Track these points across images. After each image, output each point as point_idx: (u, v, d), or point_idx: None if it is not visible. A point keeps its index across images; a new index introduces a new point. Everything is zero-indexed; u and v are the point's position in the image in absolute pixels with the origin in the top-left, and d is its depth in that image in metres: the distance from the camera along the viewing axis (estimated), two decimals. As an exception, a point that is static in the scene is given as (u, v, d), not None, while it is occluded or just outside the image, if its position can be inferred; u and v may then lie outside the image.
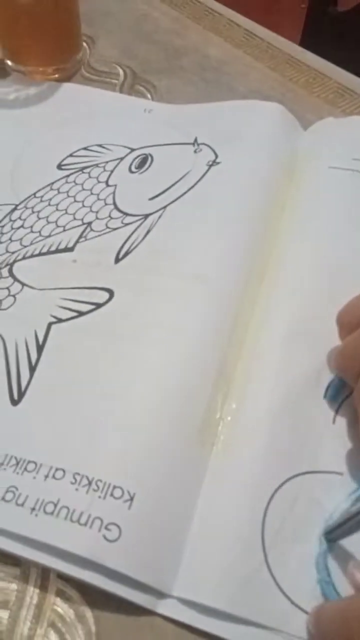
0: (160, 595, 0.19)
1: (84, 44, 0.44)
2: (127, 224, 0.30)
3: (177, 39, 0.46)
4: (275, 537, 0.20)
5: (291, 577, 0.19)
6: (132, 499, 0.20)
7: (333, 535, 0.20)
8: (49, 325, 0.26)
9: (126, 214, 0.31)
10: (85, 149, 0.35)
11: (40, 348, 0.25)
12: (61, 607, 0.20)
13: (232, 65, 0.43)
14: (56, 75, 0.41)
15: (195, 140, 0.35)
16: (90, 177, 0.33)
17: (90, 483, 0.20)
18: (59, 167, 0.34)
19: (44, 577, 0.20)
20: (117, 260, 0.28)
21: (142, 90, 0.41)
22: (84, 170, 0.34)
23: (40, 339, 0.25)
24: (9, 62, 0.41)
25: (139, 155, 0.34)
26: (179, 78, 0.42)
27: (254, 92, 0.41)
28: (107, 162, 0.34)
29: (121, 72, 0.42)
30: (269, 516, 0.20)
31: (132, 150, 0.35)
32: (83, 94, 0.39)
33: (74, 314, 0.26)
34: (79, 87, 0.40)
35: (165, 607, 0.19)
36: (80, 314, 0.26)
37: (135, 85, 0.41)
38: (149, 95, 0.40)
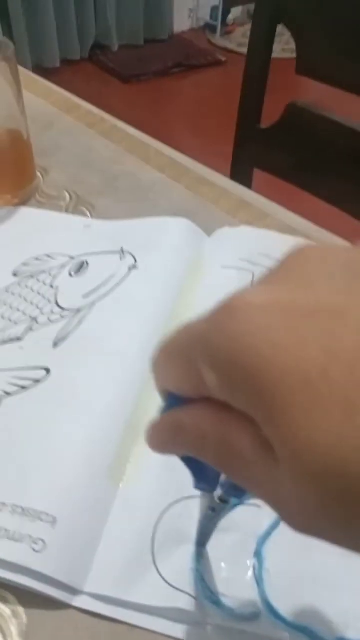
0: (75, 592, 0.26)
1: (38, 174, 0.56)
2: (64, 317, 0.39)
3: (114, 167, 0.58)
4: (163, 543, 0.27)
5: (173, 571, 0.26)
6: (54, 520, 0.27)
7: (200, 539, 0.27)
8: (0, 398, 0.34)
9: (64, 309, 0.40)
10: (35, 258, 0.45)
11: (-8, 415, 0.33)
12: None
13: (157, 187, 0.55)
14: (15, 201, 0.51)
15: (121, 249, 0.45)
16: (38, 281, 0.42)
17: (24, 511, 0.27)
18: (14, 274, 0.43)
19: (-12, 586, 0.27)
20: (55, 345, 0.37)
21: (84, 210, 0.51)
22: (33, 276, 0.43)
23: (-7, 408, 0.33)
24: (-23, 192, 0.51)
25: (77, 262, 0.44)
26: (114, 198, 0.53)
27: (174, 208, 0.52)
28: (52, 268, 0.43)
29: (68, 196, 0.53)
30: (159, 528, 0.28)
31: (72, 258, 0.44)
32: (35, 215, 0.50)
33: (18, 388, 0.34)
34: (33, 210, 0.51)
35: (79, 601, 0.26)
36: (24, 388, 0.34)
37: (78, 206, 0.52)
38: (89, 214, 0.51)
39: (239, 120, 0.97)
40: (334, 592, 0.26)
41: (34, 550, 0.26)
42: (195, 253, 0.45)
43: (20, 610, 0.26)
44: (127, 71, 2.70)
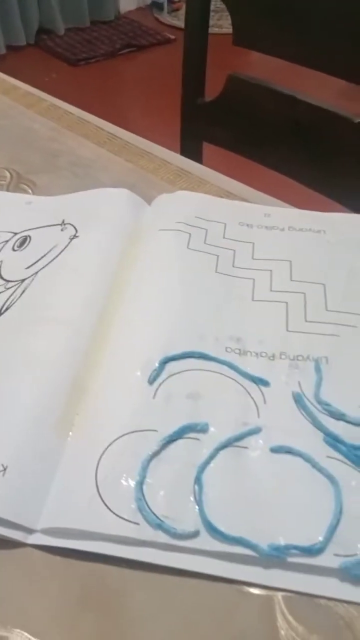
0: (29, 531, 0.28)
1: (-22, 155, 0.56)
2: (8, 288, 0.40)
3: (54, 144, 0.59)
4: (106, 476, 0.29)
5: (117, 500, 0.29)
6: (5, 469, 0.29)
7: None
8: None
9: (8, 281, 0.41)
10: (-22, 236, 0.46)
11: None
12: None
13: (97, 161, 0.56)
14: None
15: (63, 221, 0.46)
16: (-18, 257, 0.44)
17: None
18: None
19: None
20: (0, 314, 0.38)
21: (25, 187, 0.52)
22: (-23, 253, 0.44)
23: None
24: None
25: (20, 238, 0.45)
26: (55, 175, 0.54)
27: (114, 181, 0.53)
28: (-5, 244, 0.45)
29: (8, 174, 0.54)
30: (101, 464, 0.30)
31: (15, 234, 0.46)
32: (-24, 195, 0.51)
33: (-32, 355, 0.36)
34: (-27, 190, 0.51)
35: (33, 539, 0.28)
36: (-28, 354, 0.36)
37: (19, 184, 0.53)
38: (30, 191, 0.52)
39: (183, 96, 0.98)
40: (265, 509, 0.29)
41: (-13, 496, 0.28)
42: (136, 221, 0.47)
43: (-21, 551, 0.28)
44: (74, 55, 2.66)
